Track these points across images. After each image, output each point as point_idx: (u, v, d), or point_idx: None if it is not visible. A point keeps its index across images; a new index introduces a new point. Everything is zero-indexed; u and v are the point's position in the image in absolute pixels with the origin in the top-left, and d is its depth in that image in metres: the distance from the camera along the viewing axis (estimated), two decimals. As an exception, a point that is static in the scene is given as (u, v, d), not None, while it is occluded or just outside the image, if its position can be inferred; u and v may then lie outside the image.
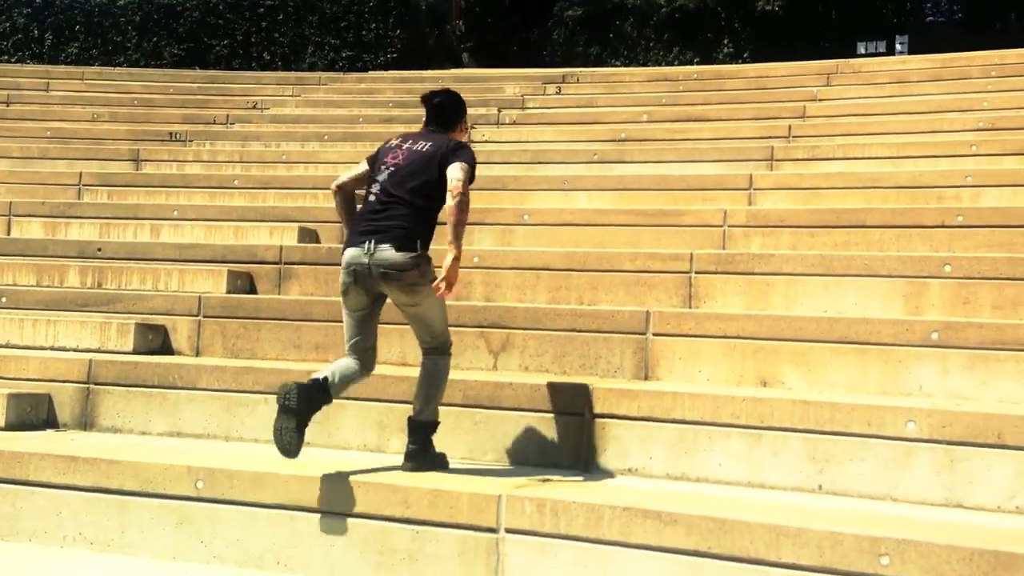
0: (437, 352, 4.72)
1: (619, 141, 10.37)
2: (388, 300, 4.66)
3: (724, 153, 9.41)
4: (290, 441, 4.26)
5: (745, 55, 26.73)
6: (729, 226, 7.41)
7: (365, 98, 13.54)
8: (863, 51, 21.12)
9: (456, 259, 4.41)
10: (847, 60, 14.57)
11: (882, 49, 21.76)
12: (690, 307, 6.48)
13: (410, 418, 4.70)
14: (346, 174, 4.85)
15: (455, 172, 4.45)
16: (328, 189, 5.00)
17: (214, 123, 12.59)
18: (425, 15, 20.51)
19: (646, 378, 5.67)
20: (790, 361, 5.40)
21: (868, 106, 10.67)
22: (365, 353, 4.65)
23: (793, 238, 7.22)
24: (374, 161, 4.69)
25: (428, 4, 21.57)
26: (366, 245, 4.43)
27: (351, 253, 4.51)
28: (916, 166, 8.46)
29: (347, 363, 4.59)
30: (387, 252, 4.42)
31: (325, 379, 4.41)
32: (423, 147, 4.59)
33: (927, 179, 7.93)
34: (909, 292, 6.05)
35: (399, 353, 5.98)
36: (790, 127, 9.99)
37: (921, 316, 5.89)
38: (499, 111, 11.90)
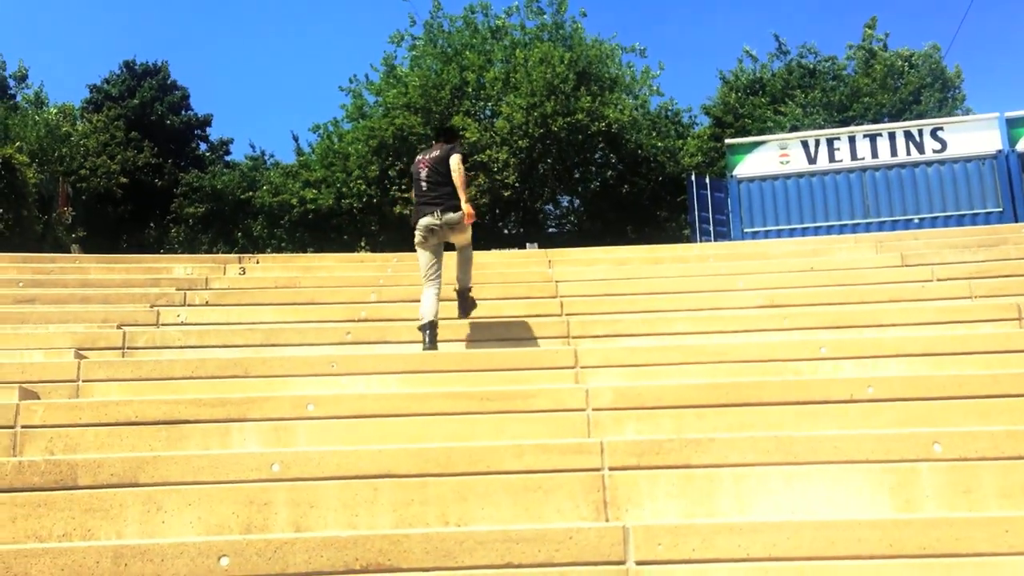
0: (468, 247, 7.87)
1: (361, 321, 8.37)
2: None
3: (512, 331, 7.76)
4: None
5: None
6: (594, 409, 5.67)
7: (-19, 277, 10.27)
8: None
9: (466, 202, 7.41)
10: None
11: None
12: (607, 518, 4.57)
13: (456, 289, 7.95)
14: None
15: (454, 160, 7.49)
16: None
17: None
18: (32, 195, 17.20)
19: (638, 637, 3.62)
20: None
21: (620, 285, 9.62)
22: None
23: (676, 421, 5.62)
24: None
25: (35, 184, 18.24)
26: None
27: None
28: (745, 339, 7.38)
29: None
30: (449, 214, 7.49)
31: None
32: (437, 153, 7.67)
33: (778, 352, 6.81)
34: (895, 482, 4.63)
35: None
36: (562, 304, 8.63)
37: (916, 512, 4.49)
38: (183, 292, 9.39)
